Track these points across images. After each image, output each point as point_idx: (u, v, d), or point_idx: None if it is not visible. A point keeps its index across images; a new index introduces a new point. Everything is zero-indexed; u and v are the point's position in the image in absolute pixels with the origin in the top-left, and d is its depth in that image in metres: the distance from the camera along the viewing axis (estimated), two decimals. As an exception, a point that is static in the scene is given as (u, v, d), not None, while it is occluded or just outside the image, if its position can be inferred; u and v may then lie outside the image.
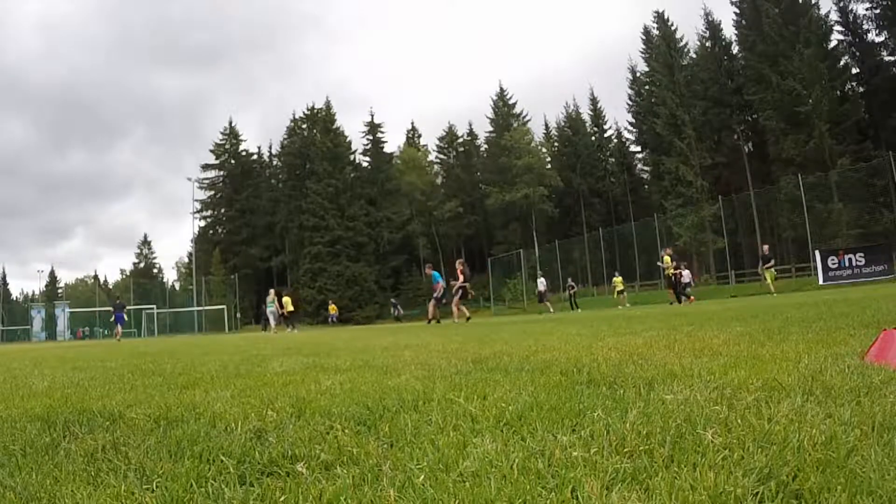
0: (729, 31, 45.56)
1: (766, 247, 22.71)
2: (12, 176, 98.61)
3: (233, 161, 66.39)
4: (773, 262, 22.19)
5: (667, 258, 20.09)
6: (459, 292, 16.85)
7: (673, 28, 48.05)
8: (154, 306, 51.30)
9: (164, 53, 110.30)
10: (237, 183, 64.50)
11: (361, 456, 1.41)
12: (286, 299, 25.12)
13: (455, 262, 17.87)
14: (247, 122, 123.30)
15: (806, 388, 1.82)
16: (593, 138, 60.35)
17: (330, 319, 40.67)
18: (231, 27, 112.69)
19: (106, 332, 51.56)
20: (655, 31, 48.56)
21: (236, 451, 1.50)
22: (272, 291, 26.15)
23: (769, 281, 21.54)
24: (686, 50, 47.69)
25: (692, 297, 20.12)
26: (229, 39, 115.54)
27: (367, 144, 65.07)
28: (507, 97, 61.52)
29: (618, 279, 29.54)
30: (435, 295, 17.42)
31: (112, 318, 26.82)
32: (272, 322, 24.43)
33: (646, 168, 54.95)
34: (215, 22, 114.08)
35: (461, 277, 16.74)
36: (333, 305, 44.13)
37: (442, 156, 67.37)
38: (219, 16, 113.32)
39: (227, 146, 66.61)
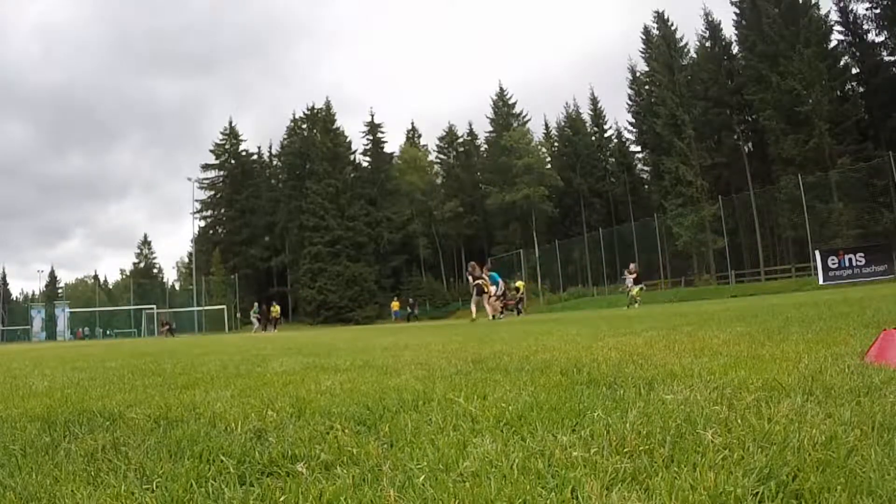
0: (729, 31, 45.56)
1: (632, 265, 22.44)
2: (12, 177, 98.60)
3: (233, 161, 66.36)
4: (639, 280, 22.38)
5: (521, 283, 25.10)
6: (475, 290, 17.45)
7: (673, 28, 48.03)
8: (154, 306, 51.32)
9: (162, 58, 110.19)
10: (237, 183, 64.49)
11: (361, 456, 1.41)
12: (275, 308, 33.16)
13: (471, 264, 18.76)
14: (246, 124, 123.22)
15: (806, 388, 1.82)
16: (593, 138, 60.34)
17: (408, 314, 41.50)
18: (228, 32, 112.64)
19: (108, 332, 51.71)
20: (655, 31, 48.55)
21: (236, 451, 1.50)
22: (256, 303, 34.85)
23: (636, 293, 21.80)
24: (686, 50, 47.68)
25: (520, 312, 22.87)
26: (226, 44, 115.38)
27: (367, 144, 65.09)
28: (507, 97, 61.55)
29: (520, 283, 31.47)
30: (496, 292, 18.59)
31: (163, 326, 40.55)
32: (255, 325, 32.62)
33: (646, 168, 54.97)
34: (212, 27, 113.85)
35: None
36: (397, 302, 44.72)
37: (442, 156, 67.43)
38: (216, 21, 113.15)
39: (227, 146, 66.59)
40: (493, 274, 18.89)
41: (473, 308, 17.14)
